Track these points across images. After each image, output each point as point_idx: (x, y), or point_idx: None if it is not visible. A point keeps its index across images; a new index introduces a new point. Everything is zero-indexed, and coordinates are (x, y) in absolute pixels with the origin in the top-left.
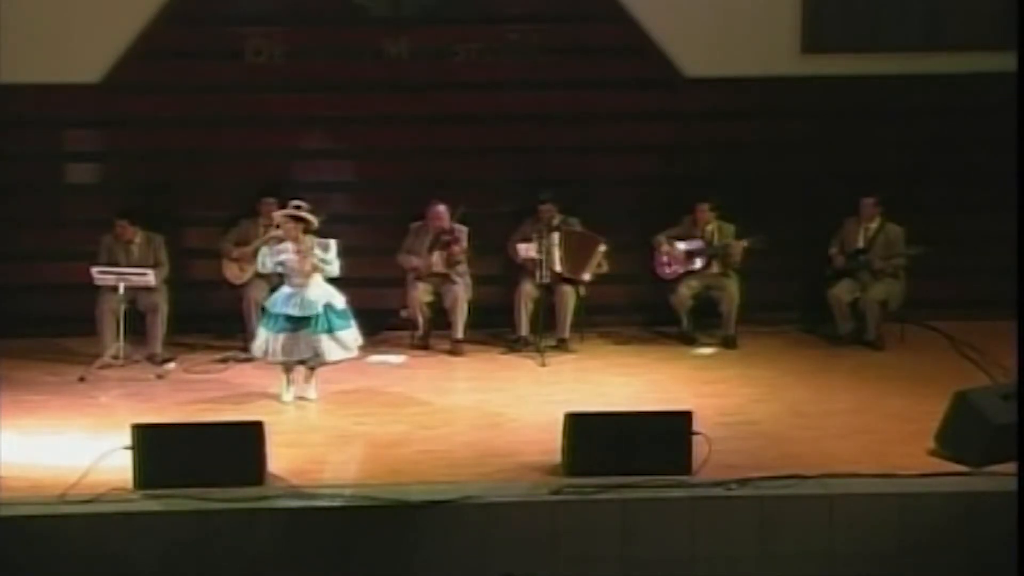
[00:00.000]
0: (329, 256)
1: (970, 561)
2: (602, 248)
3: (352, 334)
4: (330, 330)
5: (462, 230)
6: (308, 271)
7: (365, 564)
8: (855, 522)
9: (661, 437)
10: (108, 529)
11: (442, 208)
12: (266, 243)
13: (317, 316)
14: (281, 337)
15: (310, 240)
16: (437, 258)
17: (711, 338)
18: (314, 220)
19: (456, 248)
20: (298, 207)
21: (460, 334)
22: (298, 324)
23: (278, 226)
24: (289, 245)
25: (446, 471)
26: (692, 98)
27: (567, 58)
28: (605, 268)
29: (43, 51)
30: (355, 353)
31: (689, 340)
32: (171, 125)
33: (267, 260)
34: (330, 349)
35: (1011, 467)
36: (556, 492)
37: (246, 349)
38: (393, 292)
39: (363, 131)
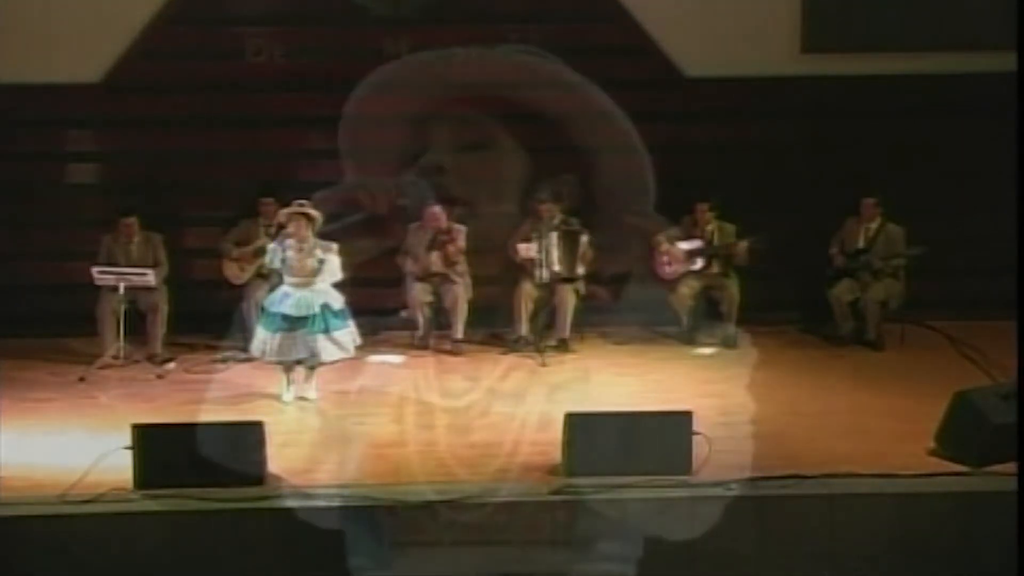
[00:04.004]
0: (329, 258)
1: (970, 561)
2: (584, 238)
3: (349, 334)
4: (327, 330)
5: (460, 230)
6: (308, 271)
7: (364, 564)
8: (855, 522)
9: (661, 437)
10: (108, 529)
11: (438, 209)
12: (270, 240)
13: (314, 316)
14: (278, 336)
15: (313, 241)
16: (435, 258)
17: (711, 338)
18: (318, 215)
19: (451, 248)
20: (301, 205)
21: (460, 334)
22: (295, 324)
23: (283, 225)
24: (292, 243)
25: (446, 471)
26: (692, 98)
27: (567, 58)
28: (591, 256)
29: (43, 51)
30: (352, 353)
31: (689, 340)
32: (171, 125)
33: (275, 256)
34: (326, 349)
35: (1011, 467)
36: (556, 492)
37: (246, 349)
38: (393, 292)
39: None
